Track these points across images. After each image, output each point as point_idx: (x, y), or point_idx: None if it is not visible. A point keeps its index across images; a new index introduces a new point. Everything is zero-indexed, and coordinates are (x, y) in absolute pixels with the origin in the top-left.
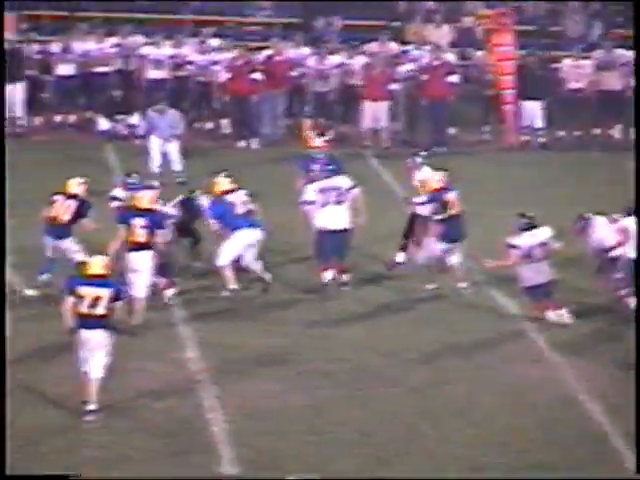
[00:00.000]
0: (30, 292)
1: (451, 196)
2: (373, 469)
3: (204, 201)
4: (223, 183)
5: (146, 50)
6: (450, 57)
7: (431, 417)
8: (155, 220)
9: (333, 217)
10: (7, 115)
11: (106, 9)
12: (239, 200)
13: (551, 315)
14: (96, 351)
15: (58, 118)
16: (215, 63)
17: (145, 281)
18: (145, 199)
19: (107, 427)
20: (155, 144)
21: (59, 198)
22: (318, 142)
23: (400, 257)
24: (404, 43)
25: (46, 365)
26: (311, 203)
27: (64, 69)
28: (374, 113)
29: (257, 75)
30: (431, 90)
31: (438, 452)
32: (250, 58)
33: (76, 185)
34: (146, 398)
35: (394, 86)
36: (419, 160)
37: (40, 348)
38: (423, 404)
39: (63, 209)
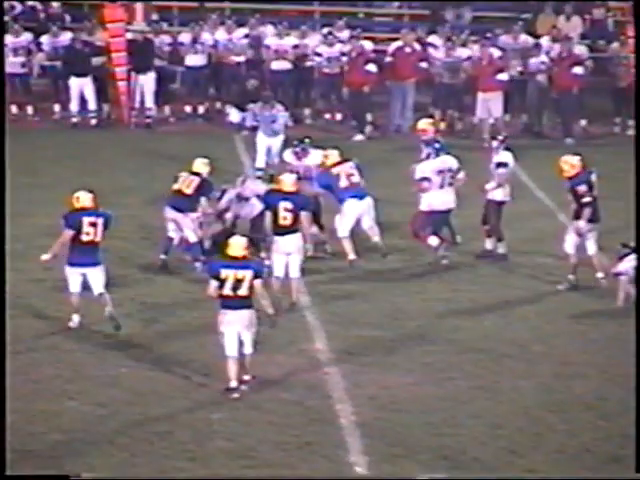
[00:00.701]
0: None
1: (594, 178)
2: (507, 461)
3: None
4: (333, 156)
5: (270, 41)
6: (581, 49)
7: (560, 410)
8: (299, 202)
9: (445, 199)
10: (137, 105)
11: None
12: (345, 172)
13: None
14: (244, 330)
15: (187, 109)
16: (343, 54)
17: (296, 263)
18: (288, 182)
19: (235, 419)
20: (261, 140)
21: (184, 174)
22: (423, 125)
23: (489, 244)
24: (534, 35)
25: (172, 350)
26: (428, 180)
27: (194, 60)
28: (485, 104)
29: (371, 67)
30: (558, 81)
31: (570, 445)
32: (364, 50)
33: (202, 165)
34: (274, 390)
35: (501, 76)
36: (495, 144)
37: (159, 333)
38: (552, 397)
39: (187, 183)
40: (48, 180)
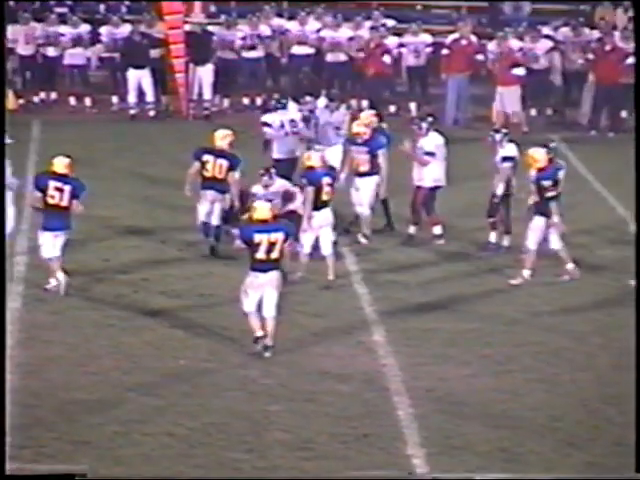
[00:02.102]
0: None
1: (561, 175)
2: (565, 454)
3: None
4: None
5: (325, 33)
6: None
7: (618, 402)
8: (336, 176)
9: (442, 175)
10: (195, 97)
11: None
12: None
13: None
14: (270, 291)
15: (245, 100)
16: (401, 46)
17: (328, 237)
18: (317, 158)
19: (292, 411)
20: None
21: (209, 158)
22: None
23: (493, 237)
24: (592, 28)
25: (230, 343)
26: (432, 155)
27: (251, 52)
28: (502, 98)
29: (387, 58)
30: (603, 74)
31: (628, 437)
32: (382, 41)
33: (221, 138)
34: (331, 382)
35: (517, 71)
36: (498, 137)
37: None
38: (610, 389)
39: (217, 169)
40: (106, 172)
